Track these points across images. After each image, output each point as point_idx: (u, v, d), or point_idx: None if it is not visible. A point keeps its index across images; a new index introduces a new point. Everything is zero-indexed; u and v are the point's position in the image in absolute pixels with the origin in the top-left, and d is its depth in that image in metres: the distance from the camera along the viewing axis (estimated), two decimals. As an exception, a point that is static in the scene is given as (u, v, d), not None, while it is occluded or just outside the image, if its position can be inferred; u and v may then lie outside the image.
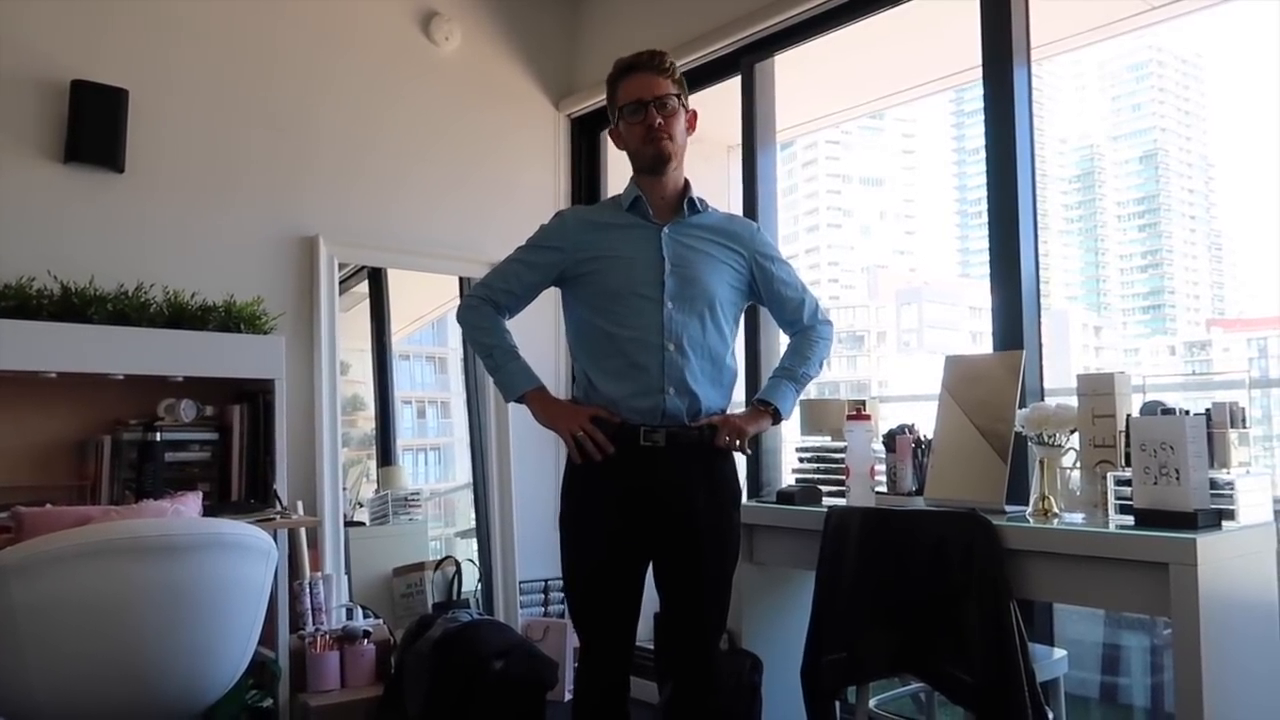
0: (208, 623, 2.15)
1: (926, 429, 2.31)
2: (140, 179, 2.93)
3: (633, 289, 1.95)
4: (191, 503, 2.42)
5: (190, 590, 2.09)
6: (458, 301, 3.72)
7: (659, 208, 2.02)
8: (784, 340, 2.23)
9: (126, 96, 2.86)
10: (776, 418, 2.05)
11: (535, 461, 3.73)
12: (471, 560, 3.57)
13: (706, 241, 2.04)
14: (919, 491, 2.25)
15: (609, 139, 2.13)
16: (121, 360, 2.64)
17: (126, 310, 2.70)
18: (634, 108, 1.97)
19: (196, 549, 2.11)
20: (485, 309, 2.06)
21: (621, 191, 2.08)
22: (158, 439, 2.73)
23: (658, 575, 2.00)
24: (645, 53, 2.01)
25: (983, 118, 2.61)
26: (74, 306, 2.61)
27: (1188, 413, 1.84)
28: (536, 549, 3.65)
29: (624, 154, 2.05)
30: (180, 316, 2.79)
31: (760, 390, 2.10)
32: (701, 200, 2.07)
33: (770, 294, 2.11)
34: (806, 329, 2.14)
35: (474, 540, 3.66)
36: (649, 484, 1.92)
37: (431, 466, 4.04)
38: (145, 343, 2.67)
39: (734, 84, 3.35)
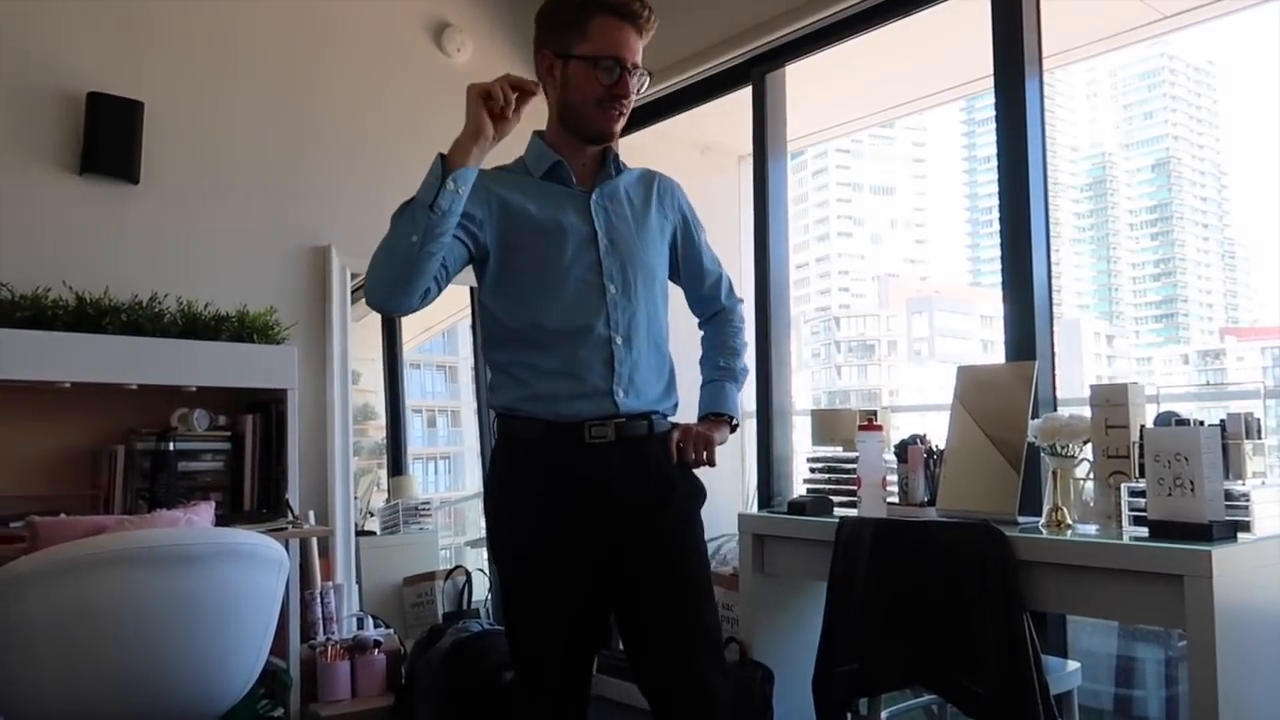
0: (220, 632, 2.16)
1: (938, 439, 2.31)
2: (155, 190, 2.95)
3: (568, 272, 1.62)
4: (204, 512, 2.43)
5: (203, 600, 2.10)
6: (469, 311, 3.74)
7: (581, 173, 1.69)
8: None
9: (142, 109, 2.89)
10: (733, 426, 1.82)
11: (546, 471, 3.73)
12: (482, 570, 3.58)
13: (634, 206, 1.73)
14: (931, 502, 2.25)
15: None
16: (135, 370, 2.65)
17: (140, 321, 2.71)
18: (611, 64, 1.60)
19: (209, 559, 2.12)
20: None
21: (524, 154, 1.72)
22: (171, 449, 2.74)
23: (620, 591, 1.64)
24: (639, 3, 1.63)
25: (994, 126, 2.61)
26: (89, 317, 2.63)
27: (1202, 423, 1.83)
28: (547, 559, 3.65)
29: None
30: (194, 327, 2.81)
31: (705, 400, 1.82)
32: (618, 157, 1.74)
33: (690, 265, 1.83)
34: (725, 311, 1.89)
35: (484, 549, 3.66)
36: (600, 478, 1.59)
37: (442, 475, 4.05)
38: (159, 353, 2.69)
39: (745, 94, 3.35)
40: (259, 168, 3.18)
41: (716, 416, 1.79)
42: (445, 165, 1.50)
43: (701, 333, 1.92)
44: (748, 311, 2.04)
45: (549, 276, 1.63)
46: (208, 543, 2.15)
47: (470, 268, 1.68)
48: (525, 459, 1.62)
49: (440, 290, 1.60)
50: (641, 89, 1.68)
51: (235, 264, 3.09)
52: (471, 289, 3.69)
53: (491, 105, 1.50)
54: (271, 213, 3.19)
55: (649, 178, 1.79)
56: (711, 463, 1.69)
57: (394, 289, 1.54)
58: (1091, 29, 3.09)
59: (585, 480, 1.59)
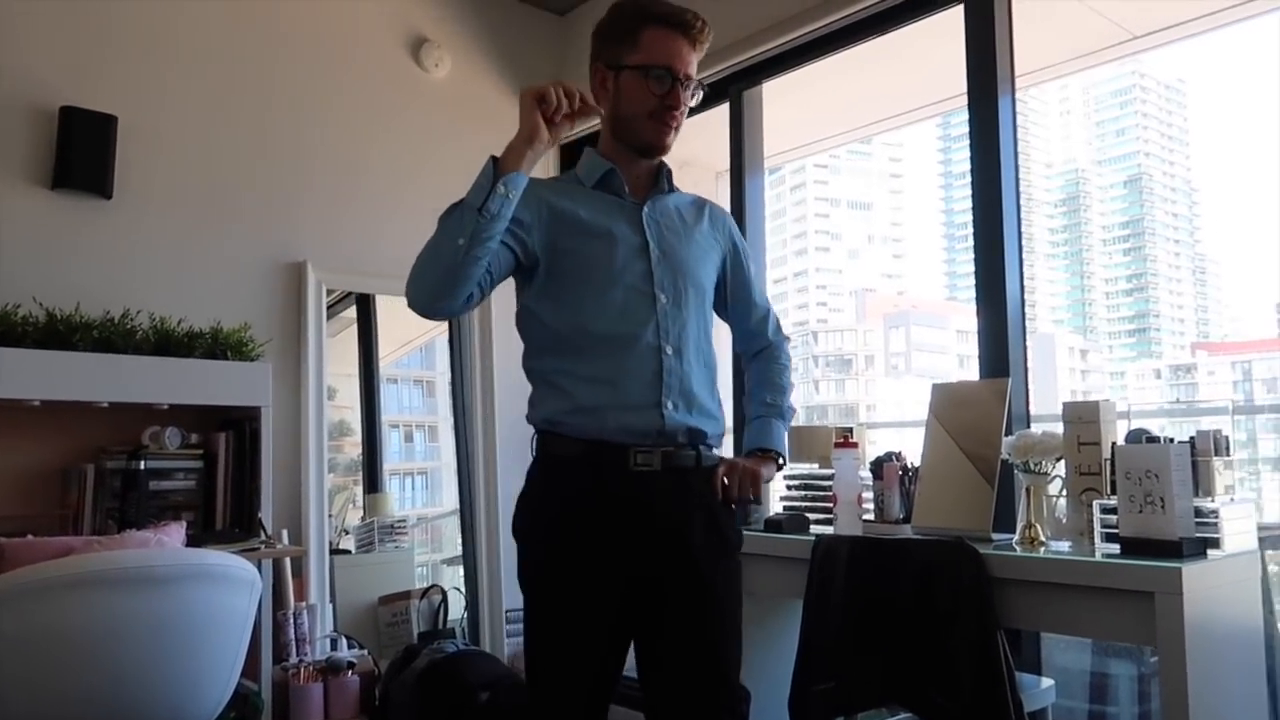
0: (190, 655, 2.13)
1: (914, 456, 2.32)
2: (128, 205, 2.92)
3: (618, 278, 1.58)
4: (175, 532, 2.40)
5: (173, 622, 2.07)
6: (446, 326, 3.72)
7: (633, 185, 1.67)
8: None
9: (115, 123, 2.87)
10: (780, 464, 1.77)
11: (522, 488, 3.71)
12: (458, 588, 3.55)
13: (686, 223, 1.71)
14: (907, 519, 2.25)
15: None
16: (106, 388, 2.62)
17: (112, 337, 2.68)
18: (663, 74, 1.58)
19: (179, 580, 2.09)
20: None
21: (575, 166, 1.71)
22: (142, 467, 2.71)
23: (648, 627, 1.59)
24: (693, 14, 1.62)
25: (968, 142, 2.64)
26: (59, 334, 2.60)
27: (1172, 440, 1.85)
28: (524, 576, 3.63)
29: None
30: (166, 343, 2.78)
31: (751, 435, 1.78)
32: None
33: (739, 296, 1.80)
34: (773, 348, 1.86)
35: (459, 567, 3.64)
36: (643, 509, 1.54)
37: (419, 491, 4.03)
38: (130, 370, 2.65)
39: (722, 111, 3.37)
40: (234, 183, 3.16)
41: (763, 452, 1.74)
42: (496, 168, 1.46)
43: (746, 371, 1.89)
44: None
45: (597, 279, 1.58)
46: (177, 564, 2.12)
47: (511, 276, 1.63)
48: (563, 481, 1.57)
49: (484, 295, 1.57)
50: (695, 102, 1.66)
51: (209, 280, 3.06)
52: (448, 305, 3.68)
53: (545, 109, 1.47)
54: (246, 228, 3.17)
55: (701, 203, 1.78)
56: (757, 499, 1.66)
57: (437, 292, 1.51)
58: (1063, 48, 3.14)
59: (627, 510, 1.53)
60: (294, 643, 2.90)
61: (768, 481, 1.70)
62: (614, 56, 1.62)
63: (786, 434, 1.81)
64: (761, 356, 1.86)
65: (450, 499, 3.74)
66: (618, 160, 1.66)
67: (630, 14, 1.62)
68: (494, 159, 1.47)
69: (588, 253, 1.59)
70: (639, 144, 1.64)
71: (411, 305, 1.55)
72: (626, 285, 1.59)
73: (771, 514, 2.54)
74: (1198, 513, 1.80)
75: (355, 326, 3.66)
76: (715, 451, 1.66)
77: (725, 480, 1.61)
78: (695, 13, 1.63)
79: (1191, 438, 1.87)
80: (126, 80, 2.96)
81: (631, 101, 1.61)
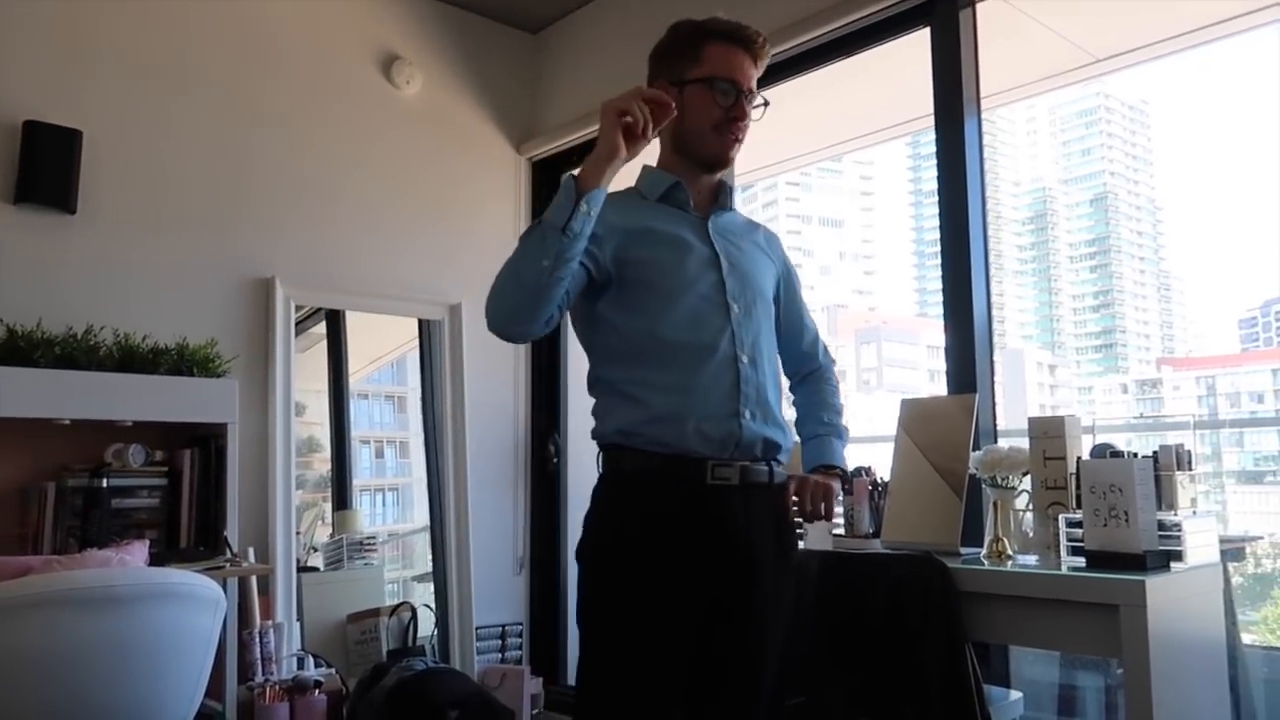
0: (153, 675, 2.09)
1: (884, 470, 2.33)
2: (92, 220, 2.89)
3: (691, 287, 1.57)
4: (138, 551, 2.36)
5: (133, 643, 2.03)
6: (417, 343, 3.71)
7: (697, 200, 1.68)
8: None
9: (80, 138, 2.83)
10: (844, 481, 1.76)
11: (493, 503, 3.70)
12: (428, 605, 3.52)
13: (746, 240, 1.72)
14: (876, 534, 2.26)
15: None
16: (68, 405, 2.57)
17: (75, 353, 2.64)
18: (728, 87, 1.61)
19: (141, 600, 2.05)
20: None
21: (636, 184, 1.70)
22: (104, 485, 2.66)
23: (704, 635, 1.53)
24: (753, 30, 1.65)
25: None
26: (20, 350, 2.55)
27: (1136, 455, 1.88)
28: (494, 593, 3.62)
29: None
30: (131, 359, 2.74)
31: (812, 454, 1.75)
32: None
33: (791, 318, 1.79)
34: (823, 370, 1.84)
35: (430, 584, 3.61)
36: (720, 527, 1.50)
37: (390, 507, 3.99)
38: (93, 386, 2.61)
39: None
40: (202, 198, 3.13)
41: (827, 469, 1.71)
42: (578, 186, 1.44)
43: (795, 394, 1.87)
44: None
45: (670, 287, 1.57)
46: (139, 583, 2.08)
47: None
48: (640, 498, 1.51)
49: (561, 315, 1.55)
50: (759, 115, 1.68)
51: (175, 296, 3.02)
52: (420, 320, 3.67)
53: (628, 125, 1.45)
54: (214, 244, 3.14)
55: (753, 224, 1.80)
56: (829, 516, 1.62)
57: (520, 314, 1.48)
58: (1028, 70, 3.20)
59: (707, 529, 1.50)
60: (260, 662, 2.85)
61: (837, 498, 1.68)
62: (676, 73, 1.64)
63: (844, 453, 1.78)
64: (813, 378, 1.84)
65: (421, 515, 3.71)
66: (682, 174, 1.67)
67: (691, 31, 1.65)
68: (573, 177, 1.45)
69: (660, 262, 1.58)
70: (704, 156, 1.65)
71: (492, 328, 1.52)
72: (700, 294, 1.58)
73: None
74: (1161, 526, 1.82)
75: (325, 342, 3.63)
76: (781, 469, 1.63)
77: (797, 496, 1.59)
78: (755, 28, 1.66)
79: (1154, 452, 1.90)
80: (92, 95, 2.93)
81: (697, 114, 1.62)
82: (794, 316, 1.80)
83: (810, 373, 1.84)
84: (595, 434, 1.60)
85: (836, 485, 1.67)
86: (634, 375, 1.54)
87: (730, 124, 1.62)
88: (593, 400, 1.63)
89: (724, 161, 1.67)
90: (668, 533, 1.48)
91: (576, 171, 1.46)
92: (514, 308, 1.48)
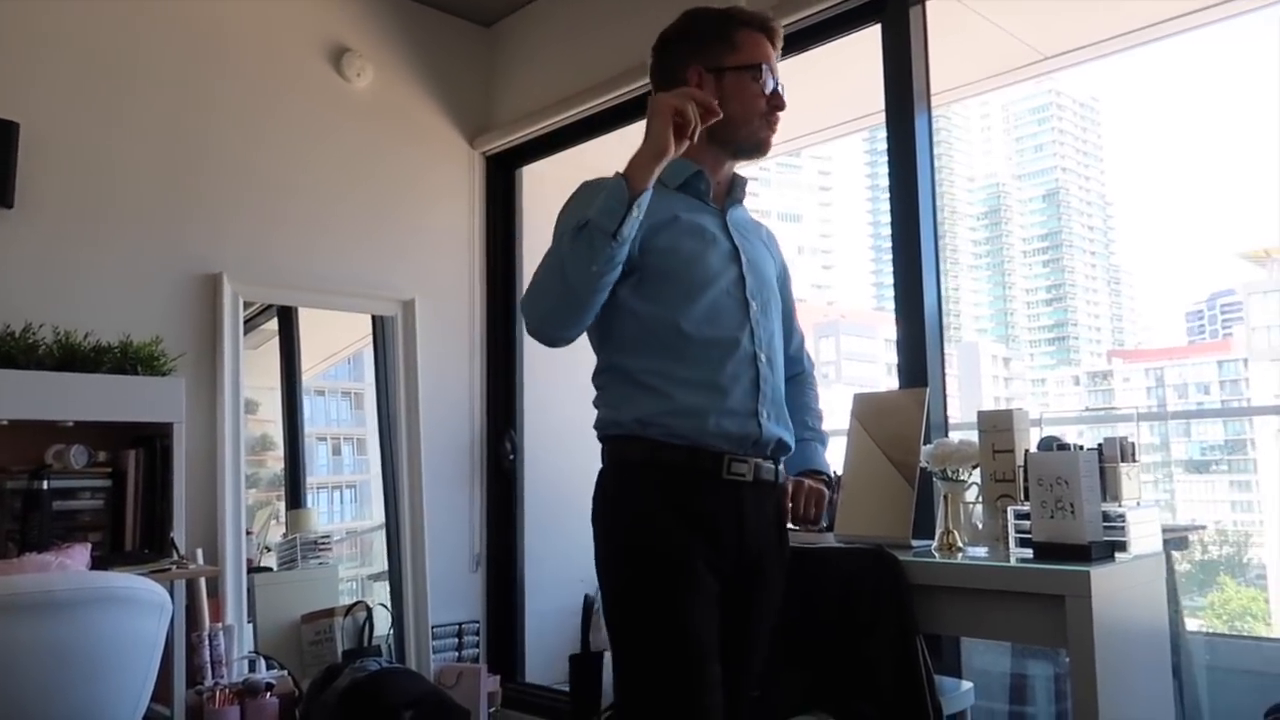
0: (95, 681, 2.04)
1: (838, 465, 2.34)
2: (31, 215, 2.81)
3: (715, 281, 1.55)
4: (79, 555, 2.30)
5: (75, 649, 1.98)
6: (370, 338, 3.66)
7: (715, 191, 1.66)
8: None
9: (17, 130, 2.75)
10: (830, 486, 1.76)
11: (449, 500, 3.67)
12: (384, 605, 3.48)
13: (754, 236, 1.70)
14: (830, 527, 2.27)
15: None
16: (5, 405, 2.50)
17: (12, 352, 2.57)
18: (769, 76, 1.61)
19: (81, 605, 2.00)
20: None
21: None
22: (45, 487, 2.59)
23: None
24: (772, 16, 1.66)
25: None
26: (-46, 348, 2.48)
27: (1082, 448, 1.90)
28: (450, 591, 3.59)
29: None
30: (72, 358, 2.66)
31: (799, 459, 1.73)
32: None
33: (784, 320, 1.78)
34: (806, 374, 1.86)
35: (386, 583, 3.57)
36: (733, 521, 1.52)
37: (347, 505, 3.94)
38: (32, 386, 2.54)
39: (648, 124, 3.37)
40: (146, 192, 3.05)
41: (814, 474, 1.72)
42: (630, 187, 1.38)
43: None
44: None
45: (693, 278, 1.54)
46: (79, 587, 2.03)
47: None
48: (654, 490, 1.49)
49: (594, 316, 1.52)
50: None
51: (119, 293, 2.95)
52: (374, 316, 3.62)
53: (680, 123, 1.40)
54: (159, 239, 3.07)
55: (757, 222, 1.77)
56: (819, 521, 1.64)
57: (567, 319, 1.46)
58: (979, 67, 3.23)
59: (722, 522, 1.51)
60: (210, 665, 2.80)
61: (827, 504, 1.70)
62: (710, 59, 1.60)
63: (826, 457, 1.81)
64: (797, 381, 1.83)
65: (380, 512, 3.67)
66: (706, 163, 1.63)
67: (719, 18, 1.63)
68: (623, 177, 1.39)
69: (686, 252, 1.55)
70: (748, 144, 1.63)
71: (532, 330, 1.49)
72: (722, 289, 1.56)
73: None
74: (1106, 517, 1.85)
75: (277, 339, 3.57)
76: (783, 469, 1.65)
77: (792, 501, 1.63)
78: (772, 15, 1.66)
79: (1099, 444, 1.93)
80: (30, 86, 2.85)
81: (741, 101, 1.58)
82: (787, 318, 1.80)
83: (794, 376, 1.83)
84: (605, 424, 1.57)
85: (827, 491, 1.70)
86: (654, 366, 1.51)
87: (773, 110, 1.62)
88: (596, 390, 1.60)
89: (766, 147, 1.64)
90: (696, 522, 1.49)
91: (622, 170, 1.40)
92: (562, 313, 1.45)
